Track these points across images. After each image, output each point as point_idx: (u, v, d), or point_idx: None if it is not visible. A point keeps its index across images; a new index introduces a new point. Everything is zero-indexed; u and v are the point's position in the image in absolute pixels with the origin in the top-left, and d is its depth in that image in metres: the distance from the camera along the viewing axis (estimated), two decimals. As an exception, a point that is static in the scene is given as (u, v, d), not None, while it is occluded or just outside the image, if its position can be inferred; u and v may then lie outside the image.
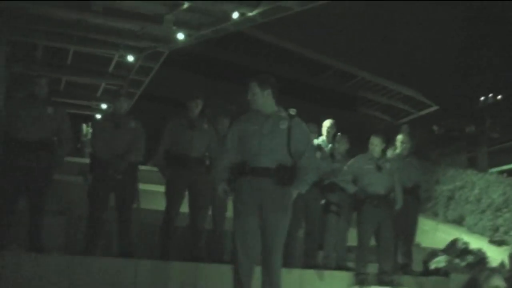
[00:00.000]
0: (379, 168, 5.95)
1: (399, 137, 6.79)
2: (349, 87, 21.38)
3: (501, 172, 13.42)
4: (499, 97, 26.61)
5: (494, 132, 25.51)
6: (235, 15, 8.89)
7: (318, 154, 5.99)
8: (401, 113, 21.98)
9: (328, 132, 6.44)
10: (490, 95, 27.89)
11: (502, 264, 6.09)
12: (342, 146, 6.43)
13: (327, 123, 6.45)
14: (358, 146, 6.55)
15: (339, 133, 6.50)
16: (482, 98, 28.38)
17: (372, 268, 5.94)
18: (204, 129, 5.54)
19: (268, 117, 4.01)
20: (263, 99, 3.99)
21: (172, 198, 5.41)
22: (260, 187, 3.86)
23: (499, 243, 7.80)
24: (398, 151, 6.74)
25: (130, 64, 11.74)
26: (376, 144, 6.01)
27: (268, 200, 3.87)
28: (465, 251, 6.95)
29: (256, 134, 3.94)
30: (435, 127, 28.41)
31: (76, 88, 13.90)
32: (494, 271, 3.58)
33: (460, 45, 19.61)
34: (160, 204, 5.67)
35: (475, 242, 7.37)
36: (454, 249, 7.12)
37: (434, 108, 21.55)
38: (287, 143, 3.97)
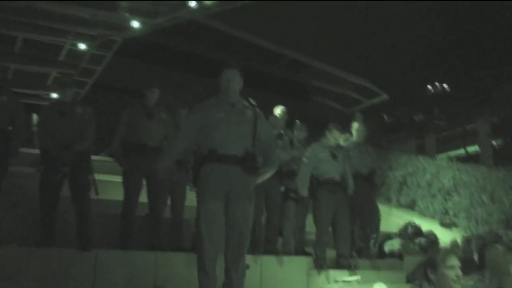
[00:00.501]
0: (333, 156, 6.10)
1: (355, 125, 6.95)
2: (302, 76, 21.49)
3: (448, 158, 13.94)
4: (445, 85, 27.51)
5: (441, 120, 26.38)
6: (192, 3, 8.82)
7: (279, 143, 6.07)
8: (352, 102, 22.34)
9: (280, 119, 6.49)
10: (437, 84, 28.78)
11: (456, 245, 6.37)
12: (301, 133, 6.54)
13: (278, 110, 6.50)
14: (312, 134, 6.66)
15: (298, 121, 6.59)
16: (430, 87, 29.26)
17: (330, 253, 6.08)
18: (161, 118, 5.49)
19: (234, 105, 4.03)
20: (239, 86, 4.05)
21: (130, 188, 5.34)
22: (228, 174, 3.89)
23: (449, 225, 8.12)
24: (354, 138, 6.91)
25: (82, 53, 11.44)
26: (336, 136, 6.19)
27: (236, 188, 3.91)
28: (417, 234, 7.23)
29: (224, 121, 3.95)
30: (385, 116, 29.11)
31: (25, 76, 13.44)
32: (449, 251, 3.71)
33: (409, 34, 20.07)
34: (118, 195, 5.58)
35: (427, 225, 7.65)
36: (407, 232, 7.39)
37: (384, 97, 22.00)
38: (252, 132, 4.02)
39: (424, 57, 21.62)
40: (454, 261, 3.50)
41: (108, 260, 4.81)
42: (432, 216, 8.51)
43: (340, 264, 5.91)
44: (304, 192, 6.03)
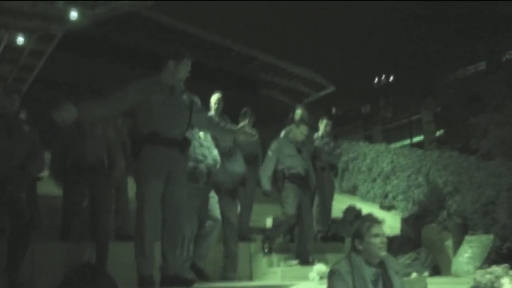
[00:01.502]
0: (299, 151, 6.15)
1: (324, 120, 7.25)
2: (250, 69, 21.59)
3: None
4: (391, 78, 28.23)
5: (388, 112, 27.05)
6: (129, -7, 8.72)
7: None
8: (300, 95, 22.63)
9: (216, 106, 6.28)
10: (383, 76, 29.51)
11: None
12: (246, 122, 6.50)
13: (214, 98, 6.32)
14: (260, 127, 6.62)
15: (245, 109, 6.58)
16: (376, 80, 29.97)
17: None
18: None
19: (174, 88, 4.08)
20: None
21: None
22: (169, 157, 3.94)
23: (389, 208, 8.40)
24: (320, 133, 7.18)
25: (20, 47, 11.09)
26: (303, 131, 6.22)
27: (176, 170, 3.97)
28: (358, 217, 7.44)
29: (165, 104, 3.99)
30: (333, 108, 29.64)
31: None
32: (374, 220, 3.84)
33: (355, 28, 20.56)
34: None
35: (367, 209, 7.87)
36: (349, 216, 7.62)
37: (331, 89, 22.38)
38: (189, 117, 4.10)
39: (370, 50, 22.16)
40: (379, 230, 3.62)
41: (46, 251, 4.71)
42: (373, 200, 8.79)
43: (303, 260, 5.91)
44: (267, 185, 6.03)
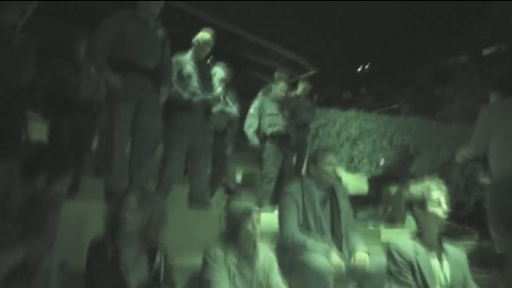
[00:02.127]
0: (281, 110, 6.28)
1: (304, 83, 7.49)
2: (234, 47, 21.70)
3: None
4: (373, 66, 28.59)
5: (368, 99, 27.47)
6: None
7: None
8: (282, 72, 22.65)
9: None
10: (367, 65, 29.86)
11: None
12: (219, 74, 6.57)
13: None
14: (243, 106, 6.70)
15: (212, 57, 6.67)
16: (359, 67, 30.30)
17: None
18: None
19: (148, 22, 4.34)
20: None
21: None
22: (141, 85, 4.19)
23: (354, 170, 8.75)
24: (298, 92, 7.38)
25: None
26: (282, 88, 6.33)
27: (146, 98, 4.24)
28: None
29: (139, 35, 4.24)
30: (315, 96, 30.00)
31: None
32: (329, 149, 4.14)
33: (342, 13, 20.80)
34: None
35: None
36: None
37: (313, 72, 22.60)
38: (161, 49, 4.36)
39: (355, 37, 22.44)
40: (332, 159, 3.92)
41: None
42: (339, 164, 9.11)
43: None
44: (254, 139, 6.18)
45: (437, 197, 3.07)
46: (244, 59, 21.74)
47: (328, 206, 3.86)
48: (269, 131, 6.18)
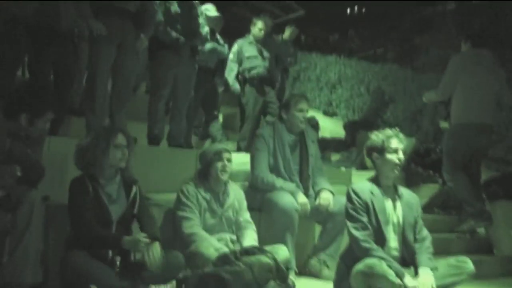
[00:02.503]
0: (260, 52, 6.17)
1: (292, 27, 6.85)
2: (221, -16, 21.16)
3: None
4: (363, 10, 28.36)
5: (354, 42, 27.39)
6: None
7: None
8: (270, 15, 22.43)
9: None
10: (356, 8, 29.56)
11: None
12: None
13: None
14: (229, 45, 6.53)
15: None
16: (348, 11, 30.00)
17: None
18: None
19: None
20: None
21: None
22: (122, 27, 4.32)
23: (331, 114, 9.00)
24: (284, 36, 6.81)
25: None
26: (260, 27, 6.18)
27: (127, 40, 4.37)
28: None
29: None
30: (302, 37, 29.74)
31: None
32: (301, 97, 4.32)
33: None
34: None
35: (311, 114, 8.44)
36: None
37: (301, 12, 22.35)
38: None
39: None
40: (304, 106, 4.12)
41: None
42: (318, 107, 9.36)
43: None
44: (235, 85, 6.15)
45: (395, 146, 3.31)
46: (230, -3, 21.43)
47: (297, 150, 4.11)
48: (248, 74, 6.16)
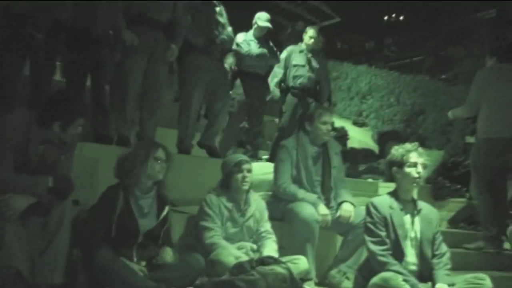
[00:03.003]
0: (309, 62, 6.04)
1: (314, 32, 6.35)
2: (256, -9, 21.32)
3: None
4: (401, 17, 28.10)
5: (391, 50, 27.17)
6: None
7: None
8: (306, 22, 22.49)
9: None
10: (393, 15, 29.28)
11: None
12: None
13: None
14: None
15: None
16: (386, 18, 29.75)
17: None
18: None
19: None
20: None
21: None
22: (154, 36, 4.48)
23: (361, 125, 8.98)
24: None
25: None
26: (312, 36, 6.04)
27: (159, 50, 4.52)
28: (332, 129, 8.05)
29: None
30: (338, 42, 29.65)
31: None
32: (325, 109, 4.34)
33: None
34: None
35: (341, 124, 8.47)
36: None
37: (336, 20, 22.32)
38: (173, 3, 4.58)
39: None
40: (328, 118, 4.16)
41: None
42: (348, 117, 9.36)
43: None
44: (276, 91, 6.05)
45: (414, 160, 3.35)
46: (266, 3, 21.56)
47: (320, 161, 4.15)
48: (292, 82, 6.04)
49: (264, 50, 5.86)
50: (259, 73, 5.88)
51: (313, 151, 4.12)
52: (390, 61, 27.35)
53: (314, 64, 6.05)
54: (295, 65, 6.02)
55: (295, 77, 6.01)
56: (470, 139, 5.49)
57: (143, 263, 2.96)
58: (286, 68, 6.06)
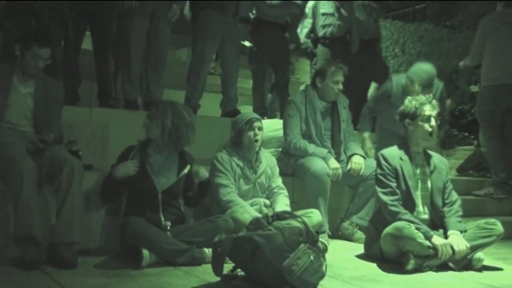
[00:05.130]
0: (338, 10, 5.74)
1: None
2: None
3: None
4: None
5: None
6: None
7: None
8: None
9: None
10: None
11: None
12: None
13: None
14: None
15: None
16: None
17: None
18: None
19: None
20: None
21: None
22: None
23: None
24: None
25: None
26: None
27: (158, 11, 4.45)
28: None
29: None
30: None
31: None
32: (339, 67, 4.22)
33: None
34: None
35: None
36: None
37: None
38: None
39: None
40: (340, 77, 4.08)
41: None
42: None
43: None
44: (307, 42, 5.78)
45: (428, 113, 3.33)
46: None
47: (329, 116, 4.15)
48: (321, 32, 5.78)
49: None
50: (279, 22, 5.52)
51: (322, 106, 4.11)
52: (391, 10, 26.95)
53: (343, 11, 5.73)
54: (323, 14, 5.73)
55: (324, 26, 5.73)
56: (474, 88, 5.46)
57: (169, 223, 3.04)
58: (314, 17, 5.75)
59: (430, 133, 3.32)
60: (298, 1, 5.61)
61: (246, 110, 5.06)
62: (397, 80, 4.51)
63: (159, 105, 3.23)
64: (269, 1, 5.35)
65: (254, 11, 5.52)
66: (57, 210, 2.86)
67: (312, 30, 5.79)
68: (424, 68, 4.31)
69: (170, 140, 3.16)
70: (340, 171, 3.88)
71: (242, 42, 5.75)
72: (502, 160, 4.86)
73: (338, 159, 4.00)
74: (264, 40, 5.42)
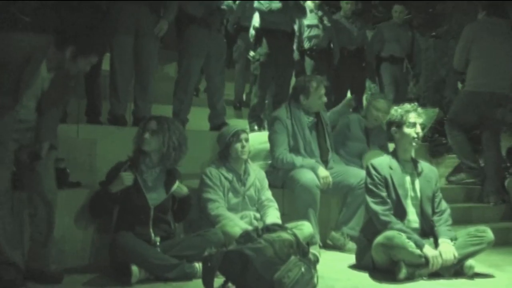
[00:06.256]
0: (321, 21, 5.82)
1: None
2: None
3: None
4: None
5: (379, 10, 26.93)
6: None
7: None
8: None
9: None
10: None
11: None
12: None
13: None
14: None
15: None
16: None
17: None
18: None
19: None
20: None
21: None
22: (137, 11, 4.38)
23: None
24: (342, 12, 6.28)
25: None
26: None
27: (144, 26, 4.43)
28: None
29: None
30: (325, 7, 29.30)
31: None
32: (322, 80, 4.23)
33: None
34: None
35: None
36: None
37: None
38: None
39: None
40: (323, 90, 4.08)
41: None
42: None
43: None
44: (295, 55, 5.74)
45: (413, 120, 3.37)
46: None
47: (315, 130, 4.17)
48: (307, 44, 5.78)
49: (287, 4, 5.24)
50: (283, 29, 5.32)
51: (309, 121, 4.12)
52: (378, 21, 27.19)
53: (326, 22, 5.77)
54: (308, 26, 5.76)
55: (310, 38, 5.76)
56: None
57: (158, 239, 3.01)
58: (299, 29, 5.74)
59: (416, 139, 3.35)
60: (300, 2, 5.44)
61: (235, 123, 5.03)
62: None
63: (164, 121, 3.20)
64: (267, 5, 5.19)
65: (258, 20, 5.40)
66: (34, 236, 2.80)
67: (299, 42, 5.80)
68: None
69: (168, 156, 3.14)
70: (330, 179, 3.87)
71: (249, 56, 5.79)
72: (467, 147, 5.16)
73: (326, 168, 3.99)
74: (269, 49, 5.26)
